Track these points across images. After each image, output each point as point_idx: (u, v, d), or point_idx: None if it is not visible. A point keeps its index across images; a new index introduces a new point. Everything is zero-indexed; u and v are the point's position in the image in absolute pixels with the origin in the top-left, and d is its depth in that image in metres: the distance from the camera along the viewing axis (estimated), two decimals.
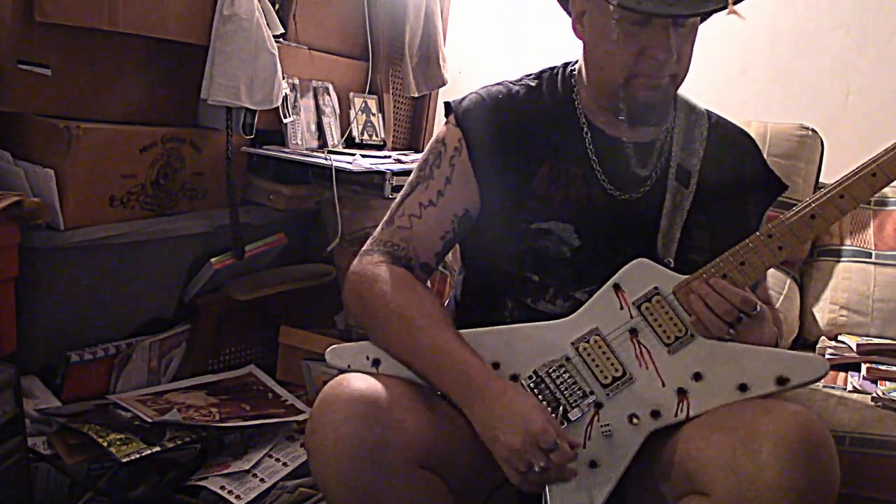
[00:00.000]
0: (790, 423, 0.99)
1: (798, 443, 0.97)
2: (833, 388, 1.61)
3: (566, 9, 1.26)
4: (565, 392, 1.13)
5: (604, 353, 1.14)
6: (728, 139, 1.31)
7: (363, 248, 1.22)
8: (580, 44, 1.24)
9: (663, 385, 1.11)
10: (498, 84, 1.28)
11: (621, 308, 1.15)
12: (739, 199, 1.27)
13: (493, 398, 1.06)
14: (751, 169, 1.30)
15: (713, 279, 1.11)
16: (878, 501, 1.40)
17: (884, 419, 1.45)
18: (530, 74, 1.31)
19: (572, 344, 1.15)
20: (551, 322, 1.16)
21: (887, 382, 1.60)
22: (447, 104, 1.27)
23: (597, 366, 1.14)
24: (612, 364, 1.13)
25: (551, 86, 1.28)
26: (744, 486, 0.97)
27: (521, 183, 1.21)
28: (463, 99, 1.26)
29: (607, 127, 1.24)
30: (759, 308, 1.10)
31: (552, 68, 1.31)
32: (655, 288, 1.15)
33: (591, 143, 1.23)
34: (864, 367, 1.68)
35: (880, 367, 1.68)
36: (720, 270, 1.12)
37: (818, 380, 1.09)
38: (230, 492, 1.51)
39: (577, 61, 1.29)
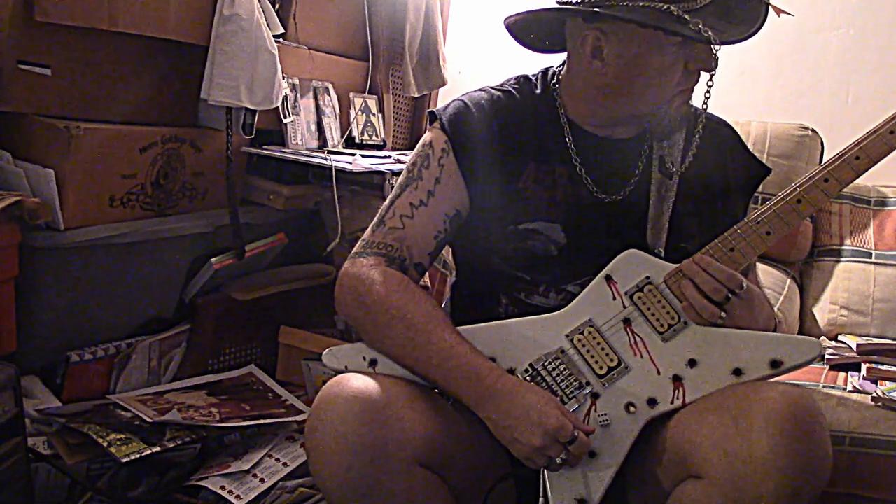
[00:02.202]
0: (780, 401, 1.00)
1: (788, 419, 0.98)
2: (833, 388, 1.61)
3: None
4: (562, 384, 1.14)
5: (598, 343, 1.15)
6: (708, 128, 1.31)
7: (354, 251, 1.22)
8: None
9: (658, 373, 1.12)
10: (479, 90, 1.29)
11: (614, 298, 1.16)
12: (723, 185, 1.28)
13: (506, 399, 1.07)
14: (732, 156, 1.32)
15: (699, 256, 1.13)
16: (878, 501, 1.40)
17: (884, 419, 1.45)
18: (510, 80, 1.32)
19: (567, 336, 1.15)
20: (545, 315, 1.17)
21: (887, 382, 1.60)
22: (431, 113, 1.28)
23: (592, 357, 1.14)
24: (607, 354, 1.14)
25: (531, 89, 1.29)
26: (735, 465, 0.99)
27: (508, 183, 1.23)
28: (447, 106, 1.27)
29: (589, 126, 1.25)
30: (745, 286, 1.12)
31: (532, 74, 1.32)
32: (647, 277, 1.16)
33: (573, 143, 1.24)
34: (864, 367, 1.68)
35: (880, 367, 1.68)
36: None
37: (812, 361, 1.10)
38: (230, 492, 1.51)
39: (559, 69, 1.29)
